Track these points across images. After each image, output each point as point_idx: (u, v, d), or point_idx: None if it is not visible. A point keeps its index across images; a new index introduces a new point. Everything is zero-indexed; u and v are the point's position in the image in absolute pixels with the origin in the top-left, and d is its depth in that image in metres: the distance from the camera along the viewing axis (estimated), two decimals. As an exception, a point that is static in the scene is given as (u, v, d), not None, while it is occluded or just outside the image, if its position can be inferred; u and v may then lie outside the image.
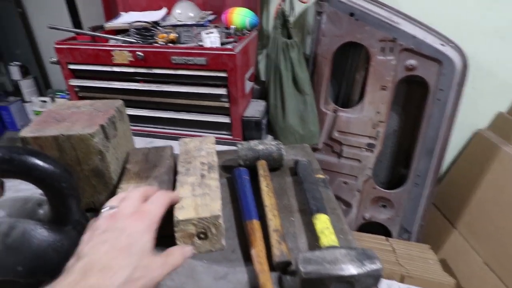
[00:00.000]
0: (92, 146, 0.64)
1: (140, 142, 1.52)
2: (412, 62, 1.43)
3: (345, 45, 1.50)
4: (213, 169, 0.74)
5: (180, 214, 0.57)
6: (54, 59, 1.42)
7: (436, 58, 1.39)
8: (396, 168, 1.75)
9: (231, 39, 1.38)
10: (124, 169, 0.73)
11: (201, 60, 1.27)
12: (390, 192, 1.68)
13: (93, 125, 0.65)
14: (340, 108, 1.61)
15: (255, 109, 1.49)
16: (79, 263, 0.34)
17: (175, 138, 1.49)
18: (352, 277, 0.48)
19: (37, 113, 3.00)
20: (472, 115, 1.62)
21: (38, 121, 0.68)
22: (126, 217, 0.40)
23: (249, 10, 1.51)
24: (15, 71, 3.06)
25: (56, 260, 0.48)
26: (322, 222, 0.66)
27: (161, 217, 0.44)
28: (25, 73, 3.11)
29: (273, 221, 0.66)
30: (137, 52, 1.31)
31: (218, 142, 1.47)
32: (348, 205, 1.76)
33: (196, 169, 0.73)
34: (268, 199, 0.71)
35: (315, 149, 1.69)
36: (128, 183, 0.68)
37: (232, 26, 1.45)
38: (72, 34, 1.50)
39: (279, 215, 0.68)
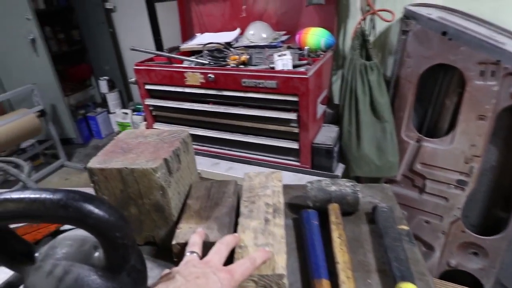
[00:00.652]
0: (154, 181, 0.61)
1: (206, 163, 1.52)
2: (520, 88, 1.20)
3: (434, 67, 1.33)
4: (279, 212, 0.67)
5: None
6: (133, 80, 1.49)
7: (554, 85, 1.15)
8: (492, 211, 1.48)
9: (304, 61, 1.31)
10: (185, 204, 0.69)
11: (271, 84, 1.22)
12: (484, 238, 1.43)
13: (157, 158, 0.62)
14: (424, 137, 1.42)
15: (326, 135, 1.39)
16: (176, 283, 0.43)
17: (241, 160, 1.45)
18: None
19: (120, 124, 3.26)
20: None
21: (106, 150, 0.68)
22: (217, 268, 0.48)
23: (325, 30, 1.43)
24: (103, 85, 3.39)
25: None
26: (409, 294, 0.54)
27: (241, 281, 0.51)
28: (111, 87, 3.43)
29: (347, 284, 0.56)
30: (208, 74, 1.31)
31: (285, 168, 1.40)
32: (429, 247, 1.53)
33: (260, 211, 0.66)
34: (341, 255, 0.61)
35: (392, 181, 1.52)
36: (188, 223, 0.63)
37: (306, 47, 1.37)
38: (151, 55, 1.57)
39: (354, 277, 0.57)
